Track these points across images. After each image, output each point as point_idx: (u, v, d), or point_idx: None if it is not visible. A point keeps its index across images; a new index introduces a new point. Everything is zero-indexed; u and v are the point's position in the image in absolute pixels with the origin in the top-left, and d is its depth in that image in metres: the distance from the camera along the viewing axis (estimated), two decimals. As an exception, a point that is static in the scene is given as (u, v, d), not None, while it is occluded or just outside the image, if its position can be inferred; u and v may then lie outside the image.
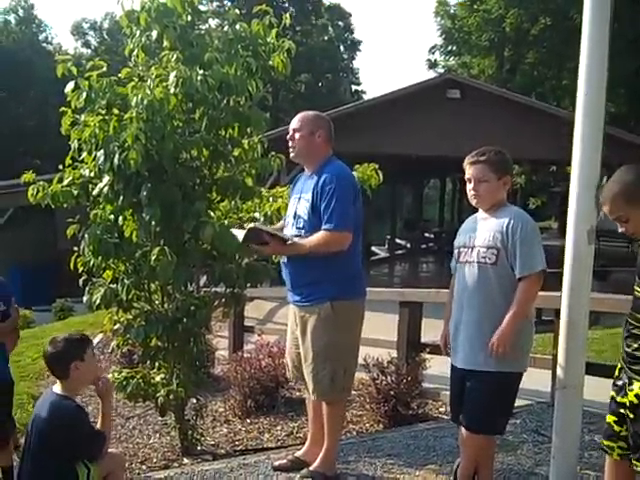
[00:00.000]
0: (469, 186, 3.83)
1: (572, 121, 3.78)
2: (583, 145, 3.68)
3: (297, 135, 4.36)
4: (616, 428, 3.20)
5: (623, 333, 3.16)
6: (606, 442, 3.27)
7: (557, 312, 4.06)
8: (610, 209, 3.15)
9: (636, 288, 3.09)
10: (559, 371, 3.86)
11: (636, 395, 3.05)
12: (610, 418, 3.23)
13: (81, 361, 3.61)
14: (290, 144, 4.40)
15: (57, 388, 3.66)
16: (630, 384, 3.08)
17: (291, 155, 4.44)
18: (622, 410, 3.14)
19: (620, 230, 3.17)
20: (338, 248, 4.18)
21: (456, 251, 3.91)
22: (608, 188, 3.14)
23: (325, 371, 4.23)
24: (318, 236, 4.17)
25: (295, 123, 4.40)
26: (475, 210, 3.97)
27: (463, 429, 3.82)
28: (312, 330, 4.25)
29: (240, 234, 4.34)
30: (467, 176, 3.83)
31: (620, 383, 3.17)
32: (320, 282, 4.21)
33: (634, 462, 3.09)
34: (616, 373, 3.24)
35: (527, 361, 3.84)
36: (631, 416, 3.08)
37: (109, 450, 3.86)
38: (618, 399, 3.17)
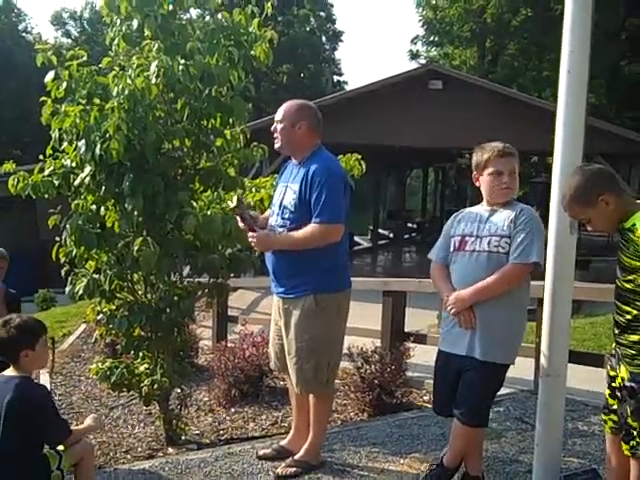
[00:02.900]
0: (498, 178, 3.71)
1: (554, 112, 3.80)
2: (564, 135, 3.70)
3: (279, 127, 4.28)
4: (610, 401, 3.35)
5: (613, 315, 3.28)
6: (602, 416, 3.43)
7: (540, 301, 4.09)
8: (570, 214, 3.27)
9: (618, 278, 3.16)
10: (542, 359, 3.88)
11: (622, 378, 3.15)
12: (606, 391, 3.38)
13: (32, 350, 3.56)
14: (274, 136, 4.33)
15: (10, 371, 3.61)
16: (619, 367, 3.22)
17: (275, 146, 4.37)
18: (613, 384, 3.28)
19: (589, 229, 3.26)
20: (331, 240, 4.12)
21: (457, 239, 3.82)
22: (562, 196, 3.23)
23: (309, 365, 4.20)
24: (309, 229, 4.09)
25: (278, 114, 4.32)
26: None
27: (457, 421, 3.80)
28: (296, 323, 4.21)
29: (235, 201, 4.29)
30: (497, 169, 3.71)
31: (613, 360, 3.30)
32: (304, 274, 4.16)
33: (621, 441, 3.20)
34: (612, 346, 3.35)
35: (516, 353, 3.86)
36: (620, 395, 3.22)
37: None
38: (611, 373, 3.31)
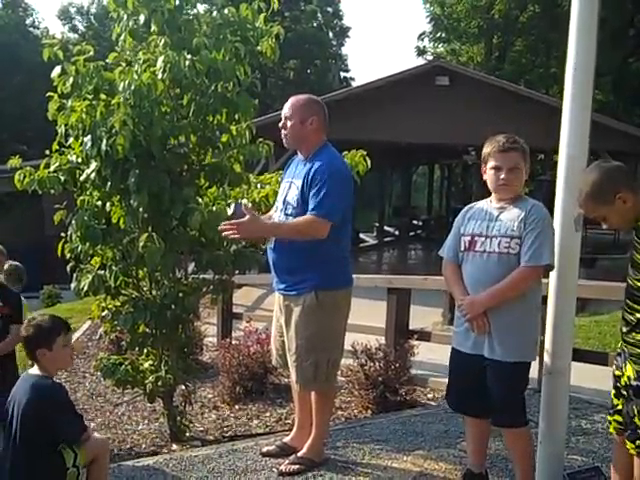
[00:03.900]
0: (497, 174, 3.64)
1: (560, 109, 3.78)
2: (570, 132, 3.69)
3: (289, 123, 4.20)
4: (614, 401, 3.34)
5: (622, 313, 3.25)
6: (608, 416, 3.42)
7: (544, 299, 4.07)
8: (585, 211, 3.22)
9: (629, 276, 3.14)
10: (546, 357, 3.87)
11: (628, 377, 3.14)
12: (612, 392, 3.35)
13: (48, 350, 3.55)
14: (283, 132, 4.25)
15: (34, 369, 3.65)
16: (625, 365, 3.20)
17: (284, 143, 4.31)
18: (618, 384, 3.27)
19: (604, 227, 3.21)
20: (316, 236, 4.04)
21: (467, 238, 3.73)
22: (578, 192, 3.18)
23: (308, 362, 4.18)
24: (299, 220, 4.06)
25: (287, 110, 4.23)
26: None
27: (506, 432, 3.81)
28: (296, 320, 4.19)
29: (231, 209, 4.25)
30: (496, 164, 3.64)
31: (619, 359, 3.28)
32: (305, 271, 4.13)
33: (625, 440, 3.20)
34: (619, 345, 3.33)
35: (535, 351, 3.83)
36: (626, 395, 3.20)
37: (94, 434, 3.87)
38: (616, 373, 3.29)
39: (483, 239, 3.67)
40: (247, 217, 4.03)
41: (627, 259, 3.17)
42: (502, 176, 3.64)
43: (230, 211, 4.22)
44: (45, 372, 3.61)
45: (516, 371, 3.63)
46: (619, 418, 3.29)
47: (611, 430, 3.39)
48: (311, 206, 4.05)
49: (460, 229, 3.82)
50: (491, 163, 3.68)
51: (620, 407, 3.27)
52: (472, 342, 3.70)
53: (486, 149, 3.73)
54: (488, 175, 3.72)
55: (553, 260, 3.59)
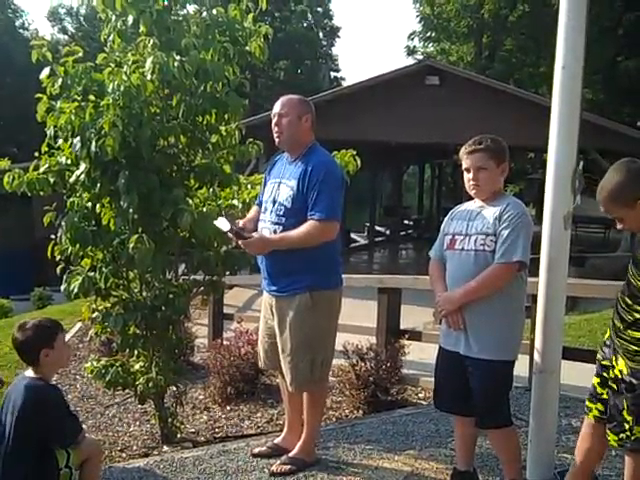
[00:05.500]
0: (467, 176, 3.71)
1: (550, 107, 3.79)
2: (559, 130, 3.70)
3: (284, 120, 4.19)
4: (598, 390, 3.34)
5: (615, 308, 3.24)
6: (587, 403, 3.41)
7: (534, 297, 4.09)
8: (605, 210, 3.19)
9: (632, 275, 3.13)
10: (536, 356, 3.88)
11: (620, 371, 3.17)
12: (595, 380, 3.37)
13: (51, 348, 3.55)
14: (276, 129, 4.23)
15: (30, 372, 3.64)
16: (616, 359, 3.20)
17: (277, 141, 4.28)
18: (605, 374, 3.27)
19: (619, 227, 3.21)
20: (326, 238, 4.09)
21: (448, 237, 3.79)
22: (599, 190, 3.15)
23: (304, 362, 4.18)
24: (305, 227, 4.05)
25: (281, 107, 4.22)
26: (459, 200, 3.91)
27: (489, 433, 3.83)
28: (291, 321, 4.18)
29: (224, 224, 4.14)
30: (465, 166, 3.71)
31: (606, 350, 3.29)
32: (299, 272, 4.12)
33: (607, 431, 3.23)
34: (605, 337, 3.34)
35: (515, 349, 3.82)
36: (614, 387, 3.21)
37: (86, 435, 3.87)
38: (603, 362, 3.30)
39: (462, 237, 3.72)
40: (254, 237, 4.13)
41: (621, 257, 3.18)
42: (470, 177, 3.71)
43: (226, 228, 4.12)
44: (41, 374, 3.60)
45: (494, 370, 3.61)
46: (601, 407, 3.31)
47: (590, 417, 3.39)
48: (312, 210, 4.06)
49: (444, 229, 3.89)
50: (463, 165, 3.75)
51: (605, 396, 3.29)
52: (453, 339, 3.74)
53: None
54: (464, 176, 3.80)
55: (527, 257, 3.58)
